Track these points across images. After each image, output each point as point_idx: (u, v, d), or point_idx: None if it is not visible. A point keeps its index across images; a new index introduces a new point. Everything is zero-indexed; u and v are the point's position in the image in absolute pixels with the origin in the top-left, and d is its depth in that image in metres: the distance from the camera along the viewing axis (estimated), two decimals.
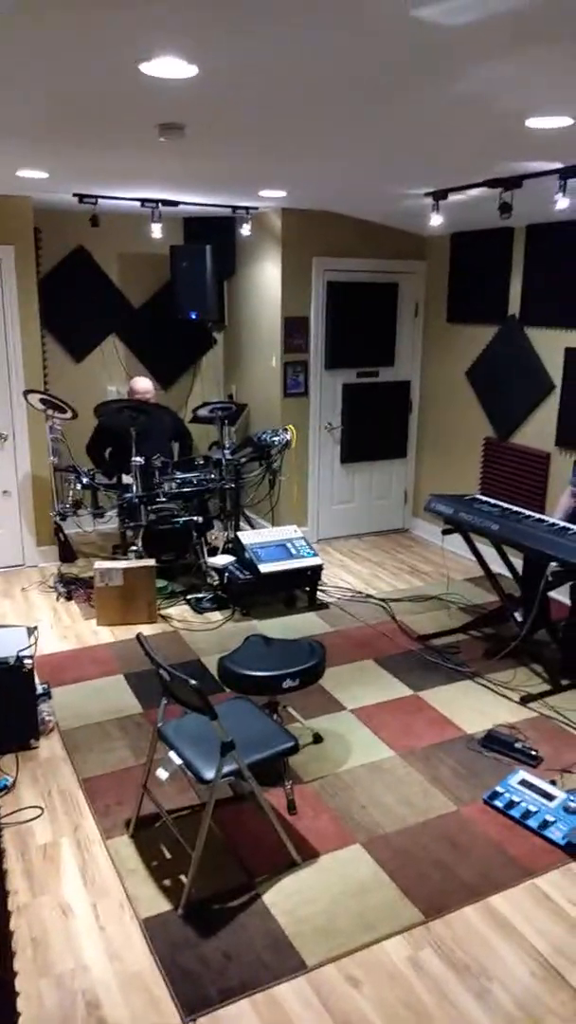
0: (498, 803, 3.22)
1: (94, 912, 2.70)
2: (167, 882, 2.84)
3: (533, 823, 3.10)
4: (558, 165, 3.78)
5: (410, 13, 1.87)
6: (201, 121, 3.04)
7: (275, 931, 2.61)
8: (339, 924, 2.64)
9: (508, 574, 4.70)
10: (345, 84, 2.51)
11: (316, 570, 5.24)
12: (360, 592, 5.55)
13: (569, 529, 4.15)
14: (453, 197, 4.66)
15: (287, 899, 2.75)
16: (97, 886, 2.82)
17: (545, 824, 3.08)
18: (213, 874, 2.85)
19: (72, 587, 5.37)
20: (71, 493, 5.25)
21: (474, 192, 4.48)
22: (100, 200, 5.30)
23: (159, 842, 3.03)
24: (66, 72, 2.41)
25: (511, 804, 3.20)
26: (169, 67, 2.33)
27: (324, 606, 5.28)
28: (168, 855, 2.97)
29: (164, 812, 3.05)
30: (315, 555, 5.26)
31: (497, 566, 4.74)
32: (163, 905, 2.73)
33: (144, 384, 5.81)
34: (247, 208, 5.88)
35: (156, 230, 5.42)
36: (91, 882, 2.84)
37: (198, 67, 2.33)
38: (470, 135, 3.21)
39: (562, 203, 3.92)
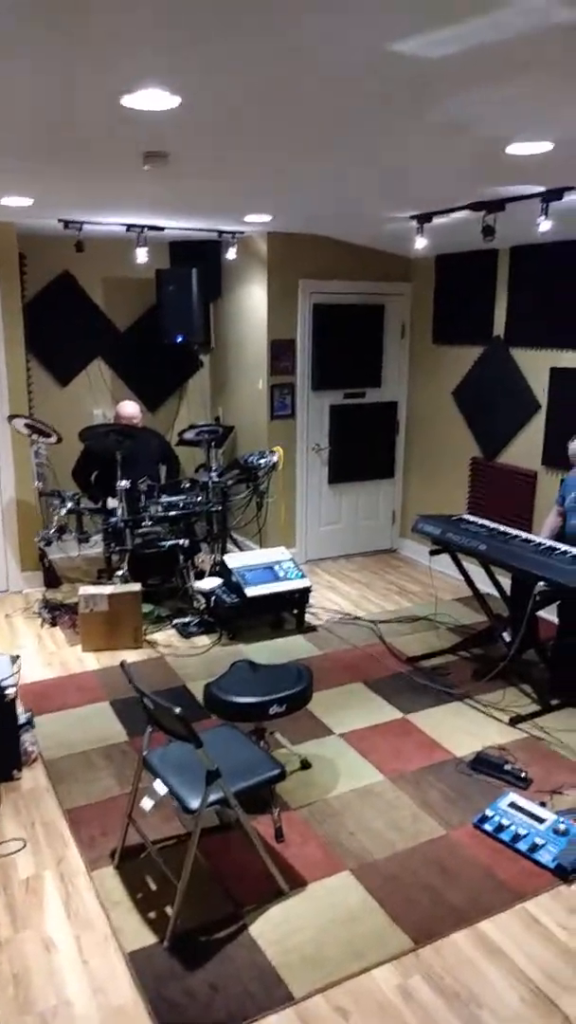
0: (487, 826, 3.20)
1: (78, 946, 2.65)
2: (152, 914, 2.79)
3: (523, 846, 3.08)
4: (540, 189, 3.83)
5: (389, 47, 1.90)
6: (185, 149, 3.07)
7: (262, 962, 2.57)
8: (327, 953, 2.60)
9: (496, 594, 4.70)
10: (327, 114, 2.54)
11: (304, 592, 5.22)
12: (349, 614, 5.53)
13: (556, 549, 4.16)
14: (437, 220, 4.72)
15: (274, 929, 2.71)
16: (81, 919, 2.77)
17: (535, 847, 3.06)
18: (199, 905, 2.80)
19: (57, 613, 5.32)
20: (56, 518, 5.23)
21: (458, 215, 4.53)
22: (85, 225, 5.33)
23: (145, 873, 2.99)
24: (49, 105, 2.43)
25: (500, 827, 3.17)
26: (151, 99, 2.36)
27: (312, 629, 5.26)
28: (154, 886, 2.92)
29: (149, 843, 3.01)
30: (303, 577, 5.25)
31: (485, 586, 4.74)
32: (148, 937, 2.68)
33: (131, 409, 5.81)
34: (232, 232, 5.92)
35: (141, 255, 5.44)
36: (75, 915, 2.79)
37: (181, 98, 2.36)
38: (452, 161, 3.25)
39: (545, 226, 3.97)
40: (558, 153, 3.00)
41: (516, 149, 2.97)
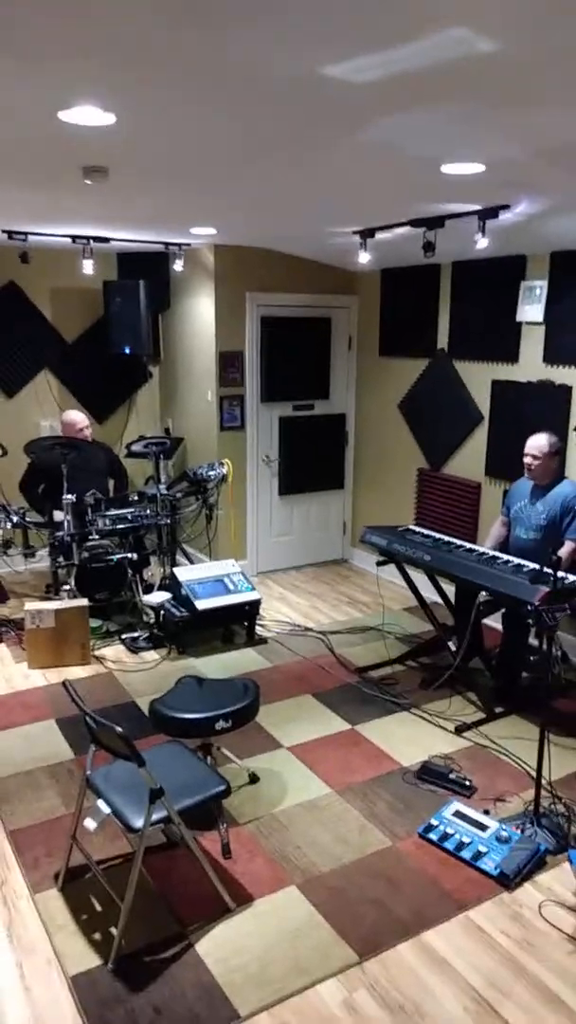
0: (432, 836, 3.23)
1: (19, 972, 2.60)
2: (97, 936, 2.76)
3: (467, 854, 3.12)
4: (477, 207, 3.91)
5: (318, 70, 1.93)
6: (124, 164, 3.06)
7: (207, 981, 2.55)
8: (273, 971, 2.60)
9: (442, 603, 4.76)
10: (260, 133, 2.56)
11: (254, 605, 5.22)
12: (299, 625, 5.55)
13: (498, 558, 4.24)
14: (380, 235, 4.78)
15: (220, 947, 2.70)
16: (24, 944, 2.72)
17: (478, 855, 3.10)
18: (144, 925, 2.78)
19: (3, 629, 5.23)
20: (0, 532, 5.14)
21: (400, 231, 4.60)
22: (30, 236, 5.27)
23: (89, 894, 2.95)
24: None
25: (445, 836, 3.21)
26: (87, 115, 2.35)
27: (263, 641, 5.26)
28: (98, 907, 2.89)
29: (93, 863, 2.97)
30: (253, 589, 5.25)
31: (432, 595, 4.80)
32: (92, 960, 2.65)
33: (74, 416, 5.76)
34: (180, 244, 5.92)
35: (87, 266, 5.40)
36: (17, 940, 2.74)
37: (115, 115, 2.36)
38: (388, 179, 3.30)
39: (482, 243, 4.05)
40: (490, 175, 3.08)
41: (450, 169, 3.03)
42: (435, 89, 2.06)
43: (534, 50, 1.76)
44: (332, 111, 2.29)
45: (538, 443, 4.22)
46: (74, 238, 5.43)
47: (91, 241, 5.46)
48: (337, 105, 2.22)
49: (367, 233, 4.76)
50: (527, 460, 4.25)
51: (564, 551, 3.98)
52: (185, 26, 1.66)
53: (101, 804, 2.72)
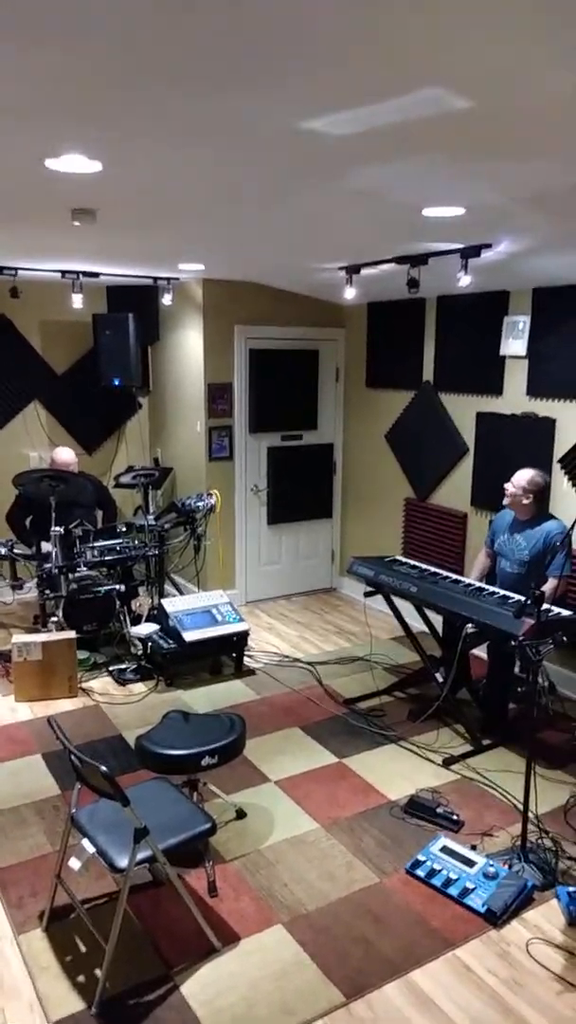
0: (420, 872, 3.22)
1: (1, 1017, 2.57)
2: (81, 978, 2.73)
3: (454, 891, 3.11)
4: (459, 246, 3.99)
5: (298, 126, 1.99)
6: (111, 207, 3.12)
7: (192, 1023, 2.53)
8: (258, 1012, 2.58)
9: (430, 633, 4.77)
10: (246, 181, 2.63)
11: (242, 636, 5.22)
12: (287, 656, 5.54)
13: (484, 590, 4.27)
14: (365, 272, 4.86)
15: (205, 988, 2.67)
16: (6, 988, 2.69)
17: (465, 892, 3.09)
18: (129, 967, 2.75)
19: None
20: None
21: (385, 267, 4.68)
22: (20, 271, 5.33)
23: (74, 934, 2.92)
24: None
25: (432, 872, 3.20)
26: (74, 163, 2.40)
27: (251, 672, 5.25)
28: (83, 948, 2.86)
29: (78, 903, 2.95)
30: (241, 620, 5.25)
31: (419, 625, 4.81)
32: (76, 1004, 2.62)
33: (66, 455, 5.79)
34: (168, 278, 6.00)
35: (77, 300, 5.47)
36: (0, 983, 2.71)
37: (101, 164, 2.41)
38: (371, 221, 3.38)
39: (464, 280, 4.13)
40: (471, 216, 3.15)
41: (431, 212, 3.10)
42: (413, 141, 2.12)
43: (507, 106, 1.82)
44: (314, 161, 2.35)
45: (520, 477, 4.28)
46: (63, 273, 5.50)
47: (81, 276, 5.52)
48: (318, 155, 2.28)
49: (353, 269, 4.84)
50: (506, 486, 4.32)
51: (547, 587, 4.01)
52: (170, 86, 1.71)
53: (86, 843, 2.71)
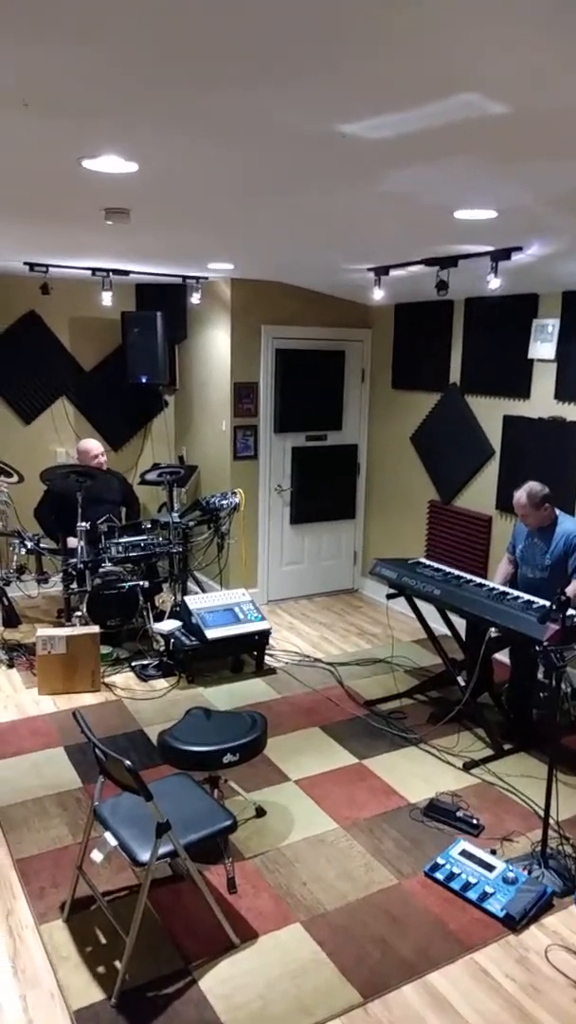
0: (439, 875, 3.22)
1: (23, 1004, 2.61)
2: (101, 969, 2.76)
3: (473, 895, 3.10)
4: (489, 248, 3.98)
5: (334, 129, 2.00)
6: (145, 206, 3.15)
7: (209, 1018, 2.55)
8: (275, 1010, 2.59)
9: (452, 636, 4.76)
10: (279, 181, 2.64)
11: (264, 635, 5.24)
12: (308, 656, 5.55)
13: (508, 594, 4.24)
14: (394, 273, 4.85)
15: (223, 984, 2.69)
16: (28, 976, 2.73)
17: (484, 896, 3.08)
18: (148, 959, 2.78)
19: (15, 654, 5.27)
20: (15, 558, 5.20)
21: (413, 269, 4.68)
22: (51, 268, 5.39)
23: (94, 926, 2.96)
24: (13, 164, 2.49)
25: (451, 876, 3.20)
26: (111, 164, 2.43)
27: (272, 671, 5.27)
28: (103, 940, 2.89)
29: (99, 895, 2.98)
30: (263, 619, 5.27)
31: (441, 628, 4.80)
32: (96, 994, 2.65)
33: (90, 444, 5.85)
34: (197, 277, 6.03)
35: (106, 298, 5.51)
36: (21, 972, 2.75)
37: (137, 164, 2.44)
38: (403, 223, 3.38)
39: (494, 283, 4.11)
40: (502, 220, 3.14)
41: (463, 215, 3.10)
42: (447, 145, 2.12)
43: (543, 110, 1.82)
44: (348, 163, 2.36)
45: (519, 501, 4.22)
46: (94, 271, 5.54)
47: (110, 274, 5.57)
48: (353, 158, 2.29)
49: (381, 271, 4.84)
50: (519, 511, 4.28)
51: (572, 589, 3.99)
52: (208, 88, 1.73)
53: (108, 836, 2.73)
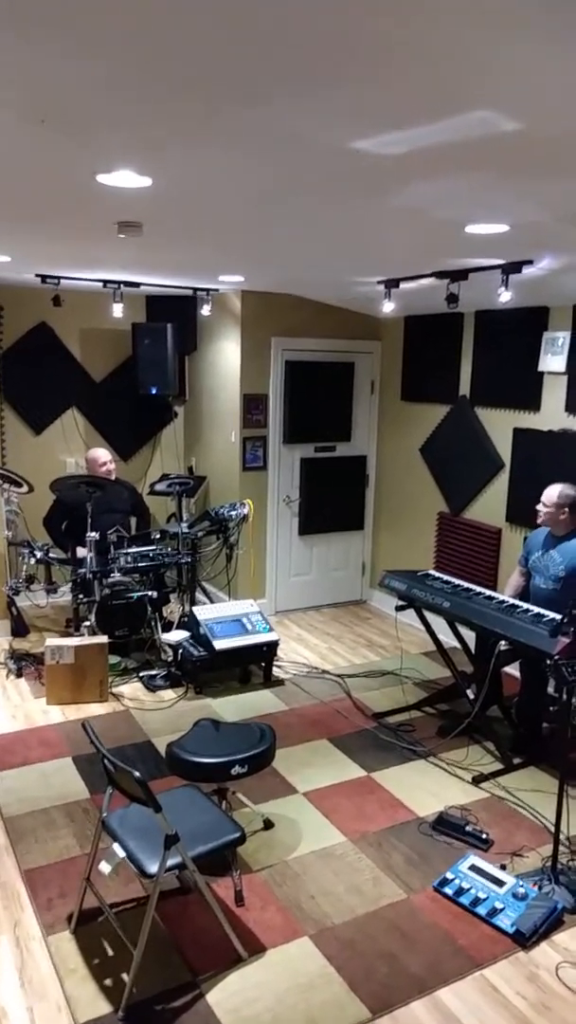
0: (448, 890, 3.20)
1: (30, 1017, 2.60)
2: (108, 981, 2.75)
3: (482, 910, 3.08)
4: (500, 262, 3.99)
5: (348, 145, 2.02)
6: (158, 220, 3.17)
7: None
8: None
9: (461, 649, 4.74)
10: (291, 196, 2.66)
11: (272, 646, 5.24)
12: (316, 668, 5.54)
13: (518, 607, 4.23)
14: (404, 286, 4.87)
15: (231, 998, 2.68)
16: (35, 988, 2.72)
17: (494, 911, 3.06)
18: (156, 972, 2.77)
19: (23, 663, 5.28)
20: (24, 567, 5.22)
21: (424, 281, 4.69)
22: (62, 280, 5.43)
23: (102, 938, 2.95)
24: (29, 177, 2.51)
25: (461, 891, 3.18)
26: (125, 179, 2.45)
27: (280, 682, 5.26)
28: (110, 952, 2.88)
29: (107, 907, 2.97)
30: (271, 630, 5.27)
31: (451, 640, 4.79)
32: (103, 1007, 2.64)
33: (99, 453, 5.88)
34: (207, 289, 6.06)
35: (117, 310, 5.55)
36: (28, 983, 2.74)
37: (151, 179, 2.46)
38: (414, 237, 3.39)
39: (505, 296, 4.12)
40: (514, 233, 3.15)
41: (474, 229, 3.11)
42: (460, 161, 2.13)
43: (557, 127, 1.83)
44: (361, 177, 2.37)
45: (549, 494, 4.26)
46: (105, 282, 5.58)
47: (122, 286, 5.60)
48: (364, 172, 2.31)
49: (392, 283, 4.85)
50: (538, 507, 4.30)
51: None
52: (222, 102, 1.74)
53: (116, 848, 2.73)
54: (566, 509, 4.23)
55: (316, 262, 4.33)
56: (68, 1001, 2.66)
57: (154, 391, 6.42)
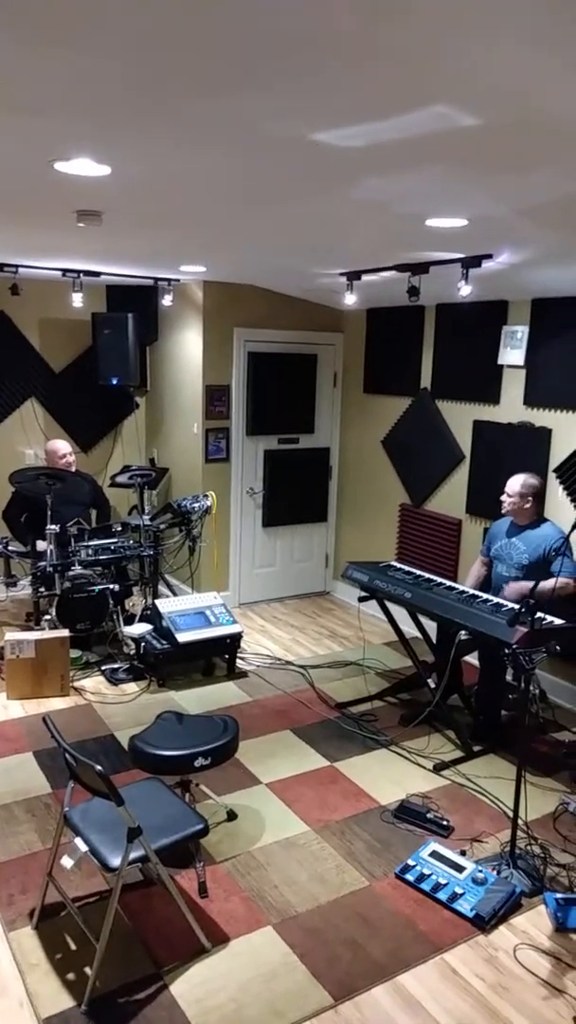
0: (409, 876, 3.24)
1: None
2: (71, 975, 2.74)
3: (443, 896, 3.13)
4: (460, 255, 4.03)
5: (308, 137, 2.01)
6: (118, 209, 3.14)
7: (181, 1023, 2.55)
8: (247, 1013, 2.59)
9: (423, 638, 4.80)
10: (252, 187, 2.65)
11: (235, 638, 5.24)
12: (279, 659, 5.56)
13: (478, 597, 4.29)
14: (366, 278, 4.89)
15: (195, 988, 2.69)
16: None
17: (454, 896, 3.11)
18: (119, 965, 2.77)
19: None
20: None
21: (385, 274, 4.71)
22: (20, 269, 5.34)
23: (64, 932, 2.93)
24: None
25: (422, 877, 3.22)
26: (83, 167, 2.42)
27: (243, 674, 5.27)
28: (73, 946, 2.87)
29: (69, 902, 2.96)
30: (234, 623, 5.27)
31: (413, 630, 4.84)
32: (66, 1001, 2.63)
33: (59, 445, 5.81)
34: (169, 279, 6.02)
35: (77, 299, 5.48)
36: None
37: (110, 167, 2.43)
38: (374, 230, 3.40)
39: (465, 290, 4.16)
40: (473, 228, 3.18)
41: (435, 223, 3.13)
42: (419, 155, 2.15)
43: (513, 122, 1.85)
44: (320, 170, 2.37)
45: (512, 483, 4.37)
46: (64, 271, 5.51)
47: (81, 275, 5.53)
48: (324, 165, 2.31)
49: (353, 275, 4.87)
50: (502, 497, 4.39)
51: (560, 583, 3.99)
52: (181, 92, 1.73)
53: (79, 842, 2.72)
54: (529, 498, 4.32)
55: (278, 253, 4.32)
56: (30, 997, 2.64)
57: (115, 382, 6.35)
